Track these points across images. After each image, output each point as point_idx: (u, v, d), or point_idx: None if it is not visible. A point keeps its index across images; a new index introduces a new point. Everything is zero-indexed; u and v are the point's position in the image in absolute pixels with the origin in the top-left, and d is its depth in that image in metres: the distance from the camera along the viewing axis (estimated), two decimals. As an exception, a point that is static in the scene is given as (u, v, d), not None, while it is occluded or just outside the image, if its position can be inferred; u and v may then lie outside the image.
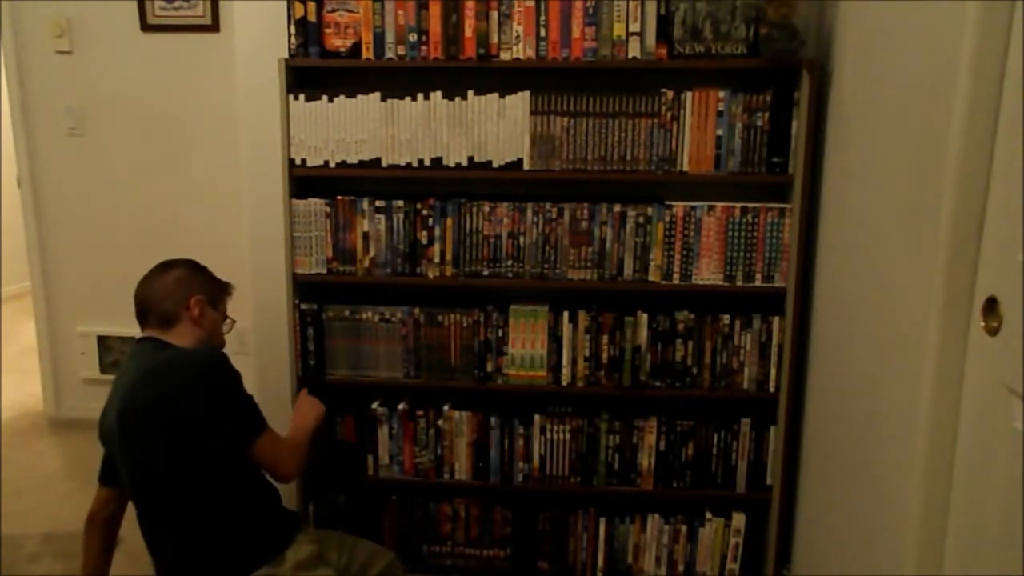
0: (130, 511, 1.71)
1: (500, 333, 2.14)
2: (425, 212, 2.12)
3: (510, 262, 2.12)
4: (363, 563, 1.76)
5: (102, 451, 1.71)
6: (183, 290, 1.69)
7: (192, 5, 3.06)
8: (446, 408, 2.20)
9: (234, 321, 1.82)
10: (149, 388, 1.55)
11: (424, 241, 2.13)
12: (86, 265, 3.31)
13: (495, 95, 2.04)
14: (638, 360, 2.13)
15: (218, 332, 1.77)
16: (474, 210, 2.11)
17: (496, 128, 2.06)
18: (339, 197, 2.13)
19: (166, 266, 1.73)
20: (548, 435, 2.18)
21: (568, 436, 2.18)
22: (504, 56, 2.03)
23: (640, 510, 2.22)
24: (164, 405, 1.54)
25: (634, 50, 2.00)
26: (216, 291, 1.77)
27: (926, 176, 1.40)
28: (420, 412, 2.21)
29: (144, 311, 1.68)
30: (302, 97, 2.08)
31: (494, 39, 2.03)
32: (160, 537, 1.62)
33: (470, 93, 2.05)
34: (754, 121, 2.01)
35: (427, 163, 2.09)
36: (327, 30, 2.07)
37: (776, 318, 2.07)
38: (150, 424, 1.54)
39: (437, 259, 2.14)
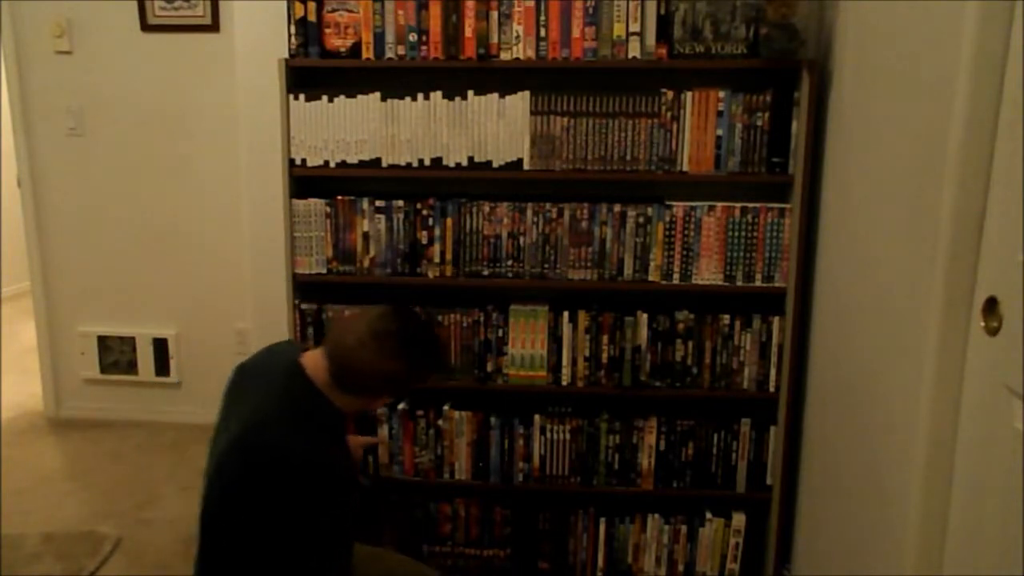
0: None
1: (500, 333, 2.14)
2: (425, 212, 2.12)
3: (510, 262, 2.12)
4: None
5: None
6: (387, 387, 1.44)
7: (192, 5, 3.07)
8: (446, 408, 2.20)
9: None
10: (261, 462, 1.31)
11: (424, 241, 2.13)
12: (86, 265, 3.30)
13: (495, 95, 2.04)
14: (638, 360, 2.13)
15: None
16: (474, 210, 2.11)
17: (496, 128, 2.06)
18: (339, 197, 2.14)
19: (393, 345, 1.38)
20: (548, 435, 2.18)
21: (568, 436, 2.18)
22: (504, 56, 2.04)
23: (640, 510, 2.22)
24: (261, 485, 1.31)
25: (634, 50, 2.00)
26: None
27: (926, 176, 1.40)
28: (420, 412, 2.21)
29: (335, 361, 1.38)
30: (302, 97, 2.08)
31: (494, 39, 2.03)
32: None
33: (470, 93, 2.05)
34: (754, 121, 2.01)
35: (427, 163, 2.09)
36: (327, 30, 2.07)
37: (776, 318, 2.08)
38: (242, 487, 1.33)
39: (437, 259, 2.14)
